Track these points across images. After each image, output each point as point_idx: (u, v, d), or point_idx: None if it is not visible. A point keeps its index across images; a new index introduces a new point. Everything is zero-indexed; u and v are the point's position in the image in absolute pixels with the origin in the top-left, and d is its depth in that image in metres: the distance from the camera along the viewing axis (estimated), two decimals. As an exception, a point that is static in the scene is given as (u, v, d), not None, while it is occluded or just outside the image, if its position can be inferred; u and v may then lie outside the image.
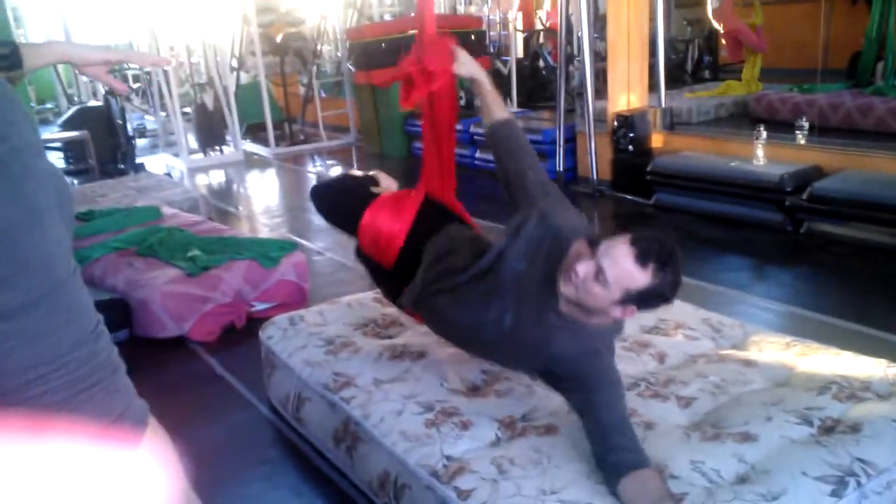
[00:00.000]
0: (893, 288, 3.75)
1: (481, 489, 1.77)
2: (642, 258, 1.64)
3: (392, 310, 2.89)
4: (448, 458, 1.92)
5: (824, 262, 4.17)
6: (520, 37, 10.22)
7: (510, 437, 2.00)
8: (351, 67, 8.88)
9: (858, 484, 1.69)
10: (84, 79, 12.41)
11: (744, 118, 6.45)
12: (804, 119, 5.06)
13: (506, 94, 8.64)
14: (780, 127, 5.47)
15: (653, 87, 6.20)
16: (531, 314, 1.86)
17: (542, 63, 9.35)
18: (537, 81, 9.26)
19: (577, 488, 1.72)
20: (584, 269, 1.70)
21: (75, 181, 7.76)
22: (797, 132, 5.04)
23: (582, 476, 1.78)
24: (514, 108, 8.15)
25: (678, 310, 2.61)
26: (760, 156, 4.91)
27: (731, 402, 2.07)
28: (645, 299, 1.71)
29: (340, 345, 2.62)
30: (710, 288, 3.81)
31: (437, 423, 2.06)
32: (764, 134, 4.93)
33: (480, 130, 6.50)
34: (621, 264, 1.65)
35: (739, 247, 4.55)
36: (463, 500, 1.76)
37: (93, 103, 10.00)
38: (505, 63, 8.95)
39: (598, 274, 1.68)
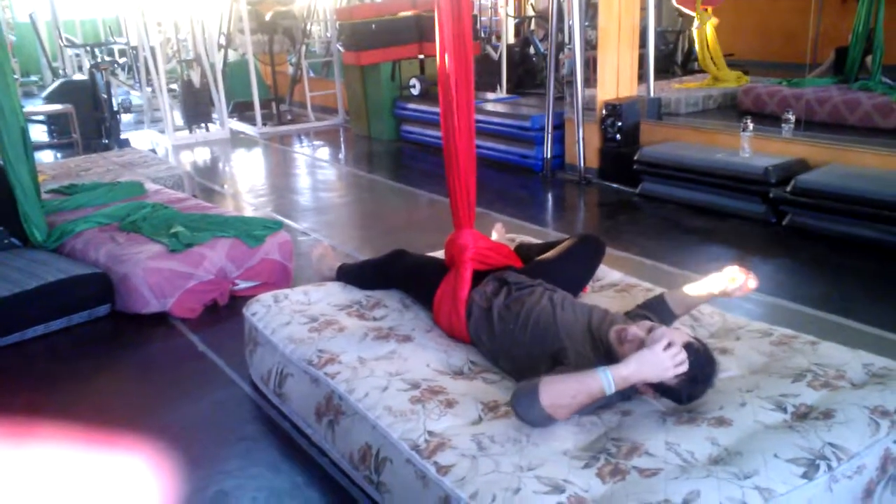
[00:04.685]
0: (872, 281, 3.79)
1: (460, 465, 1.78)
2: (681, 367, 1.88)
3: (377, 292, 2.90)
4: (430, 433, 1.93)
5: (805, 254, 4.21)
6: (511, 22, 10.19)
7: (492, 418, 2.02)
8: (340, 48, 8.83)
9: (829, 467, 1.72)
10: (70, 52, 12.25)
11: (731, 110, 6.48)
12: (791, 112, 5.09)
13: (495, 80, 8.63)
14: (768, 120, 5.50)
15: (642, 77, 6.22)
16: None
17: (532, 49, 9.33)
18: (527, 68, 9.25)
19: (554, 466, 1.74)
20: (633, 334, 2.00)
21: (58, 155, 7.69)
22: (783, 125, 5.08)
23: (559, 454, 1.80)
24: (503, 94, 8.14)
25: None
26: (746, 148, 4.94)
27: (707, 388, 2.10)
28: (664, 391, 1.96)
29: (324, 323, 2.63)
30: (693, 277, 3.82)
31: (422, 399, 2.08)
32: (750, 126, 4.96)
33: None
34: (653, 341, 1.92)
35: (722, 237, 4.59)
36: (442, 474, 1.78)
37: (78, 77, 9.88)
38: (495, 48, 8.92)
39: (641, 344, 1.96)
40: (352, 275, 3.00)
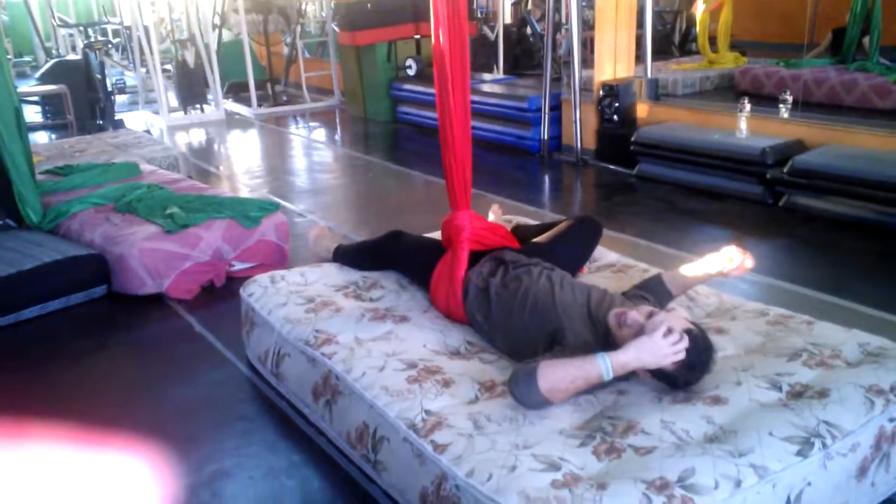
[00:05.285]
0: (868, 261, 3.80)
1: (457, 443, 1.79)
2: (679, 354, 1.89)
3: (373, 273, 2.90)
4: (427, 412, 1.94)
5: (802, 235, 4.22)
6: (507, 2, 10.11)
7: (489, 397, 2.03)
8: (336, 28, 8.76)
9: (824, 445, 1.73)
10: (63, 32, 12.15)
11: (729, 91, 6.45)
12: (788, 93, 5.08)
13: (492, 60, 8.58)
14: (765, 101, 5.48)
15: (639, 57, 6.19)
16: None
17: (529, 30, 9.26)
18: (524, 48, 9.19)
19: (550, 444, 1.75)
20: (632, 319, 2.00)
21: (53, 136, 7.64)
22: (781, 106, 5.06)
23: (555, 433, 1.81)
24: (500, 75, 8.10)
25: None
26: (743, 129, 4.93)
27: (703, 368, 2.10)
28: (661, 377, 1.96)
29: (321, 304, 2.63)
30: (688, 258, 3.84)
31: (419, 379, 2.09)
32: (748, 106, 4.94)
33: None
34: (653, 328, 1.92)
35: (719, 219, 4.59)
36: (439, 453, 1.79)
37: (71, 57, 9.78)
38: (492, 29, 8.86)
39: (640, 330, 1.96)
40: (349, 256, 3.00)
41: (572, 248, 2.74)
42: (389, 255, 2.86)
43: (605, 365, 1.86)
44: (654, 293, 2.35)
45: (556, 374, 1.86)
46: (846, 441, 1.78)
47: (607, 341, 2.04)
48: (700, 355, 1.95)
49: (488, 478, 1.65)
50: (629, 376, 2.01)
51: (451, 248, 2.57)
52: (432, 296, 2.61)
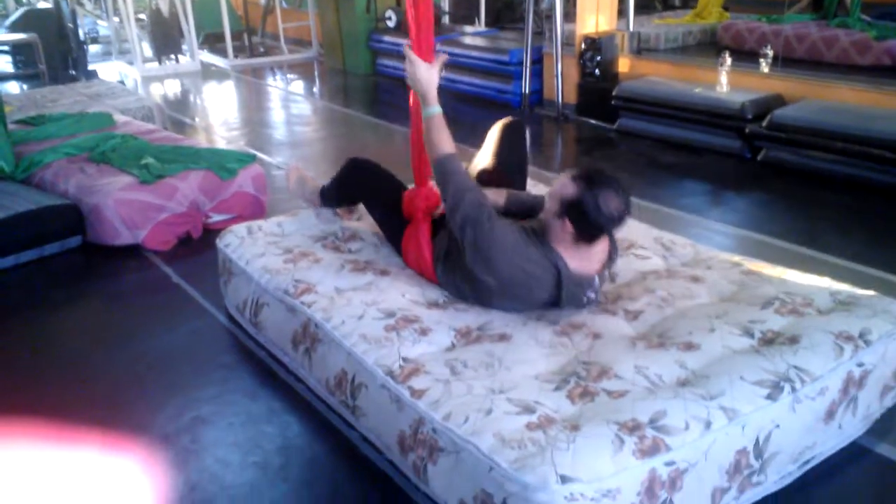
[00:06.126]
0: (843, 215, 3.84)
1: (434, 388, 1.81)
2: (575, 174, 2.03)
3: (352, 224, 2.88)
4: (405, 359, 1.96)
5: (778, 189, 4.25)
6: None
7: (465, 344, 2.04)
8: (314, -22, 8.57)
9: (793, 389, 1.78)
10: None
11: (711, 46, 6.42)
12: (768, 47, 5.07)
13: (474, 13, 8.45)
14: (747, 56, 5.46)
15: (622, 11, 6.12)
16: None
17: (511, -18, 9.12)
18: (506, 1, 9.05)
19: (525, 388, 1.78)
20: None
21: (24, 86, 7.46)
22: (761, 60, 5.05)
23: (530, 377, 1.83)
24: (482, 28, 7.99)
25: (631, 229, 2.64)
26: (724, 83, 4.92)
27: (676, 315, 2.14)
28: (572, 211, 2.00)
29: (300, 254, 2.62)
30: (667, 212, 3.88)
31: (397, 328, 2.10)
32: (728, 60, 4.93)
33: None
34: (561, 178, 2.08)
35: (698, 173, 4.60)
36: (416, 398, 1.81)
37: (42, 5, 9.53)
38: (474, -20, 8.70)
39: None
40: (331, 197, 2.88)
41: (508, 156, 2.70)
42: (357, 192, 2.78)
43: (428, 112, 2.17)
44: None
45: (433, 145, 2.15)
46: (815, 385, 1.82)
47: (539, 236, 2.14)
48: (597, 174, 2.05)
49: (465, 421, 1.68)
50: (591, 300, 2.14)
51: (414, 222, 2.52)
52: (404, 257, 2.58)
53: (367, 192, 2.74)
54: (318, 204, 2.91)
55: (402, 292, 2.34)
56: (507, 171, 2.64)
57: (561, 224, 2.04)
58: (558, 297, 2.12)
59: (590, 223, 2.02)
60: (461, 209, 2.08)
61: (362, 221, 2.94)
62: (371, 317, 2.17)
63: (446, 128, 2.19)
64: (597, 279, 2.17)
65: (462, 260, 2.18)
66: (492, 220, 2.06)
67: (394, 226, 2.61)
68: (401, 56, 7.37)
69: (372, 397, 1.98)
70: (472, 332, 2.11)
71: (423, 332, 2.10)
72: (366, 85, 7.69)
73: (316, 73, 8.50)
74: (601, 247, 2.14)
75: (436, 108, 2.19)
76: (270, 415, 2.31)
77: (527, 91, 6.14)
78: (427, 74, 2.20)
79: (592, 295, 2.18)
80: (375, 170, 2.75)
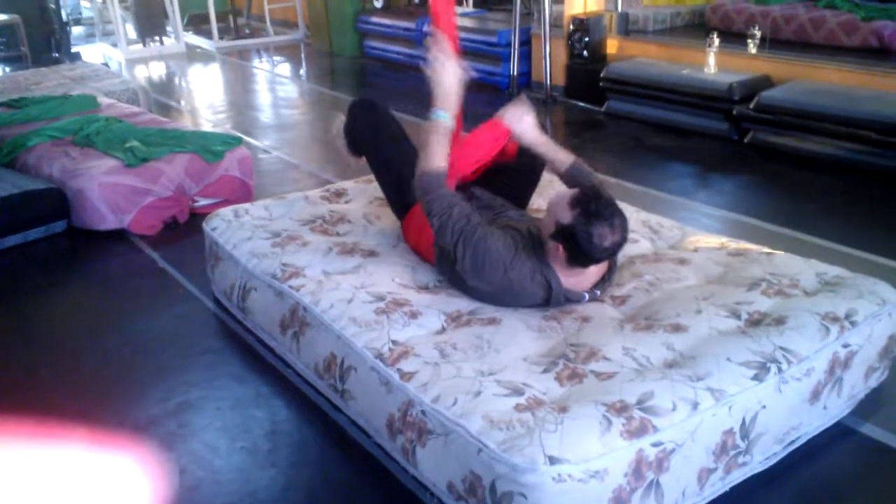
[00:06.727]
0: (828, 196, 3.86)
1: (423, 371, 1.81)
2: (574, 198, 1.97)
3: (340, 206, 2.87)
4: (394, 342, 1.95)
5: (765, 171, 4.26)
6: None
7: (455, 327, 2.04)
8: (300, -42, 8.47)
9: (779, 370, 1.79)
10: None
11: (700, 28, 6.39)
12: (756, 28, 5.06)
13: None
14: (735, 38, 5.45)
15: (610, -9, 6.10)
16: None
17: (499, -37, 9.05)
18: (494, -18, 8.99)
19: (514, 371, 1.78)
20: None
21: (6, 68, 7.36)
22: (749, 41, 5.04)
23: (519, 360, 1.84)
24: (470, 9, 7.93)
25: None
26: (712, 64, 4.91)
27: (664, 298, 2.14)
28: (565, 237, 1.96)
29: (287, 238, 2.60)
30: (654, 194, 3.88)
31: (386, 311, 2.09)
32: (716, 42, 4.92)
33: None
34: (561, 194, 2.05)
35: (685, 155, 4.61)
36: (405, 381, 1.81)
37: (22, -14, 9.35)
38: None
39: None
40: (358, 141, 2.75)
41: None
42: (371, 138, 2.69)
43: (435, 115, 2.12)
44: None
45: (426, 154, 2.10)
46: (801, 366, 1.84)
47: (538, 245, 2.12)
48: (596, 200, 1.97)
49: (453, 402, 1.68)
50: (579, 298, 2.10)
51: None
52: (404, 230, 2.58)
53: (369, 143, 2.65)
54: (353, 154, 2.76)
55: (392, 275, 2.34)
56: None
57: (555, 246, 2.01)
58: (547, 304, 2.12)
59: (581, 253, 1.98)
60: (450, 225, 2.05)
61: (350, 204, 2.93)
62: (360, 300, 2.16)
63: (448, 143, 2.14)
64: (587, 296, 2.14)
65: (454, 266, 2.17)
66: (483, 233, 2.04)
67: (394, 185, 2.53)
68: (389, 37, 7.39)
69: (361, 380, 1.98)
70: (462, 316, 2.11)
71: (413, 315, 2.09)
72: (353, 67, 7.63)
73: (302, 55, 8.42)
74: (597, 268, 2.11)
75: (447, 116, 2.14)
76: (258, 399, 2.31)
77: (515, 73, 6.11)
78: (454, 79, 2.16)
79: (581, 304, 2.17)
80: (382, 116, 2.70)
